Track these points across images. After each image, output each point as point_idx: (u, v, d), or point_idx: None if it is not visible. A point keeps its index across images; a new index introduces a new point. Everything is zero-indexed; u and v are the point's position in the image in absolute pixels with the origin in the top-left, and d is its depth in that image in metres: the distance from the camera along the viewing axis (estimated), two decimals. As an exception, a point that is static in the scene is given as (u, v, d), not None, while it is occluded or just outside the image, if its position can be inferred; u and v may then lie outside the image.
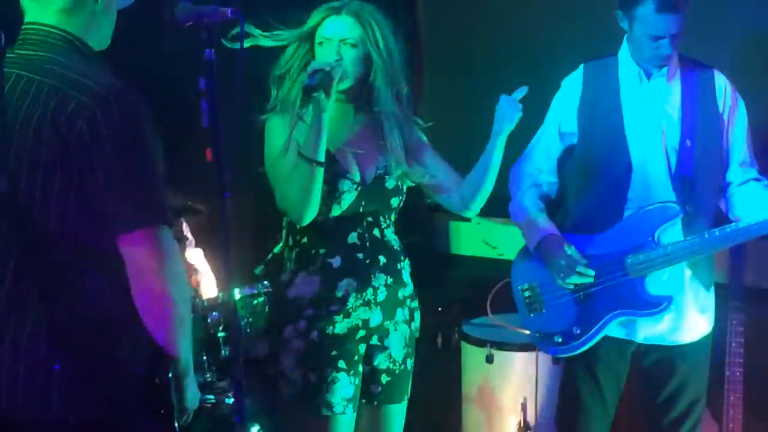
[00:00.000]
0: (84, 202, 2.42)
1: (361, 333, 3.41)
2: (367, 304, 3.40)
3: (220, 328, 3.99)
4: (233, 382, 2.63)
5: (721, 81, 3.58)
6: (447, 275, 5.73)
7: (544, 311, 3.77)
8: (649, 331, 3.64)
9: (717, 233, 3.46)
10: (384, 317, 3.45)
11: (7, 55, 2.46)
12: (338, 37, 3.34)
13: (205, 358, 3.94)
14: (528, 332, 3.90)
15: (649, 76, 3.58)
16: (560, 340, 3.72)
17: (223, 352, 3.99)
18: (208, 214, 4.49)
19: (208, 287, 4.36)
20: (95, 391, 2.48)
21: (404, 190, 3.52)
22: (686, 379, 3.69)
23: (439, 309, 5.21)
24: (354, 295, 3.38)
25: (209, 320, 4.00)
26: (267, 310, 4.01)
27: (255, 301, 4.11)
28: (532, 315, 3.80)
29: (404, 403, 3.60)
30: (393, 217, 3.53)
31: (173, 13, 2.68)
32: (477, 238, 5.68)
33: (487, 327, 4.83)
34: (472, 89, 5.25)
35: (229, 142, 2.62)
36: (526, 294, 3.80)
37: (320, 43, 3.37)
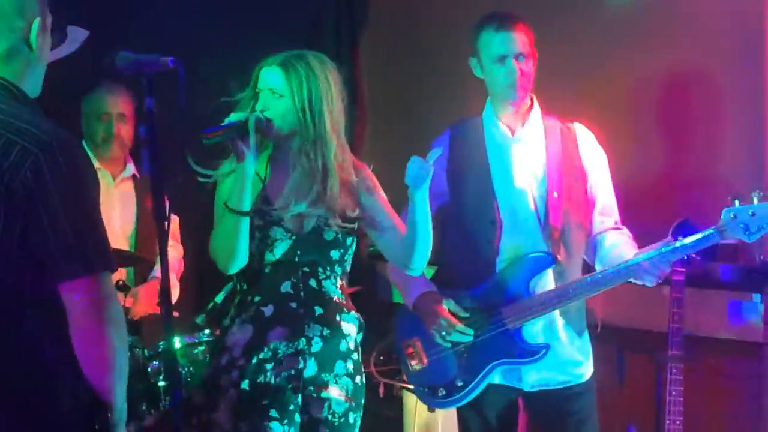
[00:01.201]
0: (25, 249, 2.40)
1: (294, 383, 3.38)
2: (299, 353, 3.37)
3: (161, 377, 3.97)
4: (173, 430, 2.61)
5: (582, 133, 3.72)
6: (389, 324, 5.72)
7: (426, 366, 3.79)
8: (533, 377, 3.69)
9: (588, 279, 3.56)
10: (319, 369, 3.41)
11: None
12: (266, 87, 3.37)
13: (144, 407, 3.91)
14: (412, 387, 3.92)
15: (513, 131, 3.70)
16: (444, 392, 3.76)
17: (163, 401, 3.96)
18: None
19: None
20: None
21: (347, 243, 3.49)
22: (579, 422, 3.73)
23: (381, 358, 5.20)
24: (284, 344, 3.36)
25: (149, 369, 3.97)
26: (207, 359, 3.99)
27: (195, 350, 4.10)
28: (415, 369, 3.82)
29: None
30: (338, 269, 3.49)
31: (113, 62, 2.68)
32: (419, 287, 5.68)
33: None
34: (410, 135, 5.29)
35: (171, 190, 2.62)
36: (408, 349, 3.83)
37: (256, 94, 3.39)
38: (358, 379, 3.52)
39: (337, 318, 3.46)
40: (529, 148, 3.68)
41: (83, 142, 4.66)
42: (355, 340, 3.53)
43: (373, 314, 5.74)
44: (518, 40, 3.62)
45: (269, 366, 3.35)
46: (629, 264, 3.48)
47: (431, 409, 4.62)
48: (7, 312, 2.42)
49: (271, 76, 3.36)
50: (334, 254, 3.47)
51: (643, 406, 4.69)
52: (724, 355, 4.60)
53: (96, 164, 4.62)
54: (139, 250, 4.65)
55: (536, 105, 3.73)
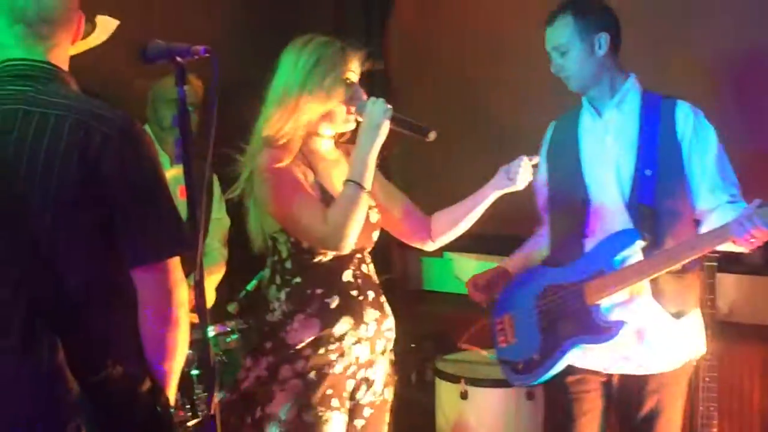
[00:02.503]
0: (106, 235, 2.44)
1: (352, 369, 3.40)
2: (359, 341, 3.39)
3: (194, 365, 3.97)
4: (207, 420, 2.61)
5: (683, 110, 3.60)
6: (420, 311, 5.73)
7: (513, 342, 3.82)
8: (610, 359, 3.64)
9: (669, 251, 3.47)
10: (370, 352, 3.43)
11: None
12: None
13: (177, 396, 3.92)
14: (499, 364, 3.92)
15: (600, 112, 3.66)
16: (522, 368, 3.78)
17: (195, 390, 3.97)
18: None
19: None
20: (112, 424, 2.48)
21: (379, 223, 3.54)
22: (657, 411, 3.67)
23: (413, 345, 5.20)
24: (350, 332, 3.36)
25: (182, 358, 3.98)
26: (241, 347, 4.00)
27: (228, 339, 4.10)
28: (502, 346, 3.86)
29: None
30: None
31: (145, 51, 2.68)
32: (449, 274, 5.68)
33: (461, 363, 4.83)
34: (441, 118, 5.28)
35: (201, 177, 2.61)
36: (499, 326, 3.87)
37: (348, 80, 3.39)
38: (390, 355, 3.57)
39: (381, 299, 3.49)
40: (619, 127, 3.63)
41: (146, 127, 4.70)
42: (392, 317, 3.55)
43: (404, 302, 5.78)
44: (551, 35, 3.64)
45: (335, 357, 3.35)
46: (702, 234, 3.42)
47: (463, 396, 4.61)
48: (76, 305, 2.45)
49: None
50: (375, 236, 3.51)
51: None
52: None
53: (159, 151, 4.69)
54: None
55: (631, 83, 3.66)
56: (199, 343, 3.94)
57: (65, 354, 2.41)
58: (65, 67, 2.60)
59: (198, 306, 2.65)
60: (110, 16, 2.72)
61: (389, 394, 3.58)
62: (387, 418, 3.59)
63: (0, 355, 2.39)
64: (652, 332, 3.58)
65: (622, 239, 3.55)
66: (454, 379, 4.71)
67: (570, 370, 3.70)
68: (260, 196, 3.36)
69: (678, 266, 3.46)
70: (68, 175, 2.39)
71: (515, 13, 5.19)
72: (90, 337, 2.46)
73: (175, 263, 2.51)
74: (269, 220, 3.41)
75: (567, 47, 3.60)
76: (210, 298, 4.50)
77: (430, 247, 3.70)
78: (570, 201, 3.69)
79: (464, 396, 4.63)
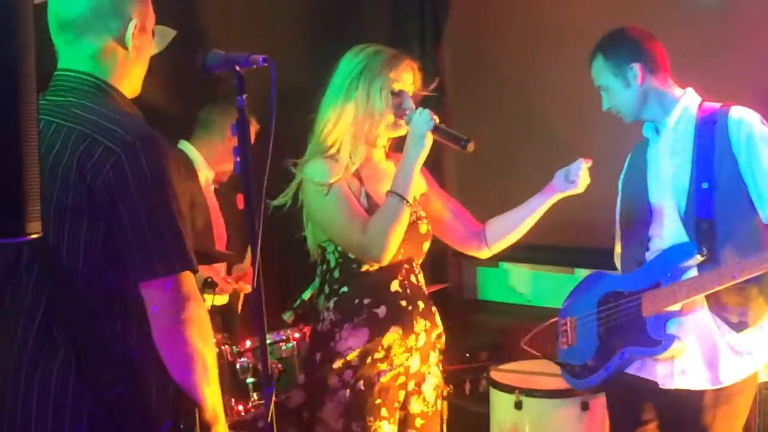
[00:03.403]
0: (109, 248, 2.43)
1: (401, 380, 3.40)
2: (409, 351, 3.39)
3: (249, 374, 3.99)
4: (264, 428, 2.62)
5: (735, 119, 3.53)
6: (475, 321, 5.72)
7: (573, 345, 3.86)
8: (662, 371, 3.59)
9: (721, 268, 3.41)
10: (421, 362, 3.44)
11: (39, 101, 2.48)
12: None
13: (233, 404, 3.94)
14: (559, 368, 3.95)
15: (658, 130, 3.67)
16: (577, 371, 3.82)
17: (251, 398, 3.99)
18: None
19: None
20: None
21: (431, 233, 3.54)
22: (710, 426, 3.61)
23: (467, 355, 5.19)
24: (399, 343, 3.37)
25: (238, 366, 4.00)
26: (296, 356, 4.02)
27: (284, 347, 4.11)
28: (563, 348, 3.90)
29: None
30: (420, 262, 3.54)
31: (204, 61, 2.70)
32: (504, 284, 5.67)
33: (515, 373, 4.81)
34: (496, 127, 5.28)
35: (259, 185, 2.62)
36: (563, 327, 3.91)
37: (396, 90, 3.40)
38: (441, 366, 3.57)
39: (432, 309, 3.50)
40: (676, 144, 3.62)
41: (188, 143, 4.73)
42: (441, 326, 3.55)
43: (459, 312, 5.77)
44: (593, 76, 3.68)
45: (384, 366, 3.35)
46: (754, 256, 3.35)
47: (518, 407, 4.59)
48: (94, 309, 2.45)
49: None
50: (425, 247, 3.51)
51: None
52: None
53: (204, 164, 4.72)
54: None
55: (687, 96, 3.64)
56: (255, 351, 4.01)
57: (81, 367, 2.43)
58: (114, 78, 2.59)
59: (255, 315, 2.67)
60: (169, 26, 2.74)
61: (441, 405, 3.57)
62: (439, 428, 3.58)
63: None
64: (708, 346, 3.55)
65: (679, 253, 3.53)
66: (508, 389, 4.69)
67: (627, 379, 3.67)
68: (308, 205, 3.40)
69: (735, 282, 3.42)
70: (68, 185, 2.40)
71: (571, 23, 5.17)
72: (102, 349, 2.44)
73: (179, 280, 2.44)
74: (318, 230, 3.44)
75: (606, 86, 3.64)
76: None
77: (485, 254, 3.70)
78: (634, 216, 3.71)
79: (519, 406, 4.61)
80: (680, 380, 3.58)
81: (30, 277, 2.48)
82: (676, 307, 3.51)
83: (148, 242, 2.40)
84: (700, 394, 3.57)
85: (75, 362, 2.43)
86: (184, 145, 4.71)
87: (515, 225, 3.60)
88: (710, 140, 3.53)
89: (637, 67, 3.57)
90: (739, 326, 3.51)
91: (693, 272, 3.51)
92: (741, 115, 3.52)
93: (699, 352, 3.53)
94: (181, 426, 2.51)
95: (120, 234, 2.41)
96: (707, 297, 3.48)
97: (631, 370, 3.65)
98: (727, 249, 3.47)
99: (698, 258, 3.48)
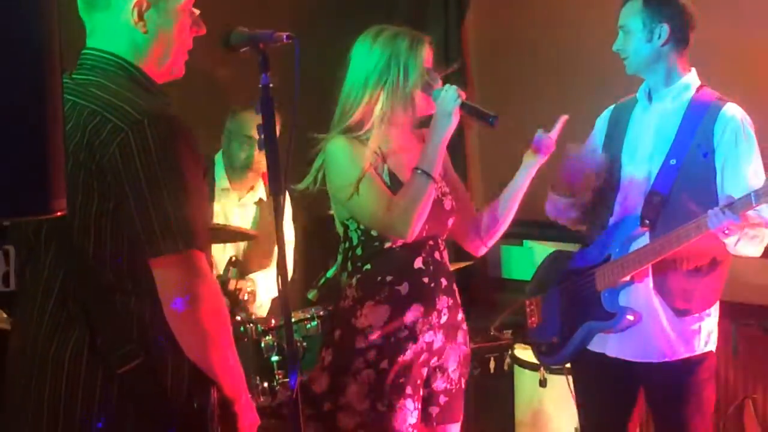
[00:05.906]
0: (118, 225, 2.42)
1: (424, 357, 3.40)
2: (432, 328, 3.39)
3: (274, 352, 4.00)
4: (288, 402, 2.62)
5: (728, 113, 3.54)
6: (499, 299, 5.71)
7: (539, 323, 3.94)
8: (615, 344, 3.66)
9: (660, 239, 3.47)
10: (445, 339, 3.44)
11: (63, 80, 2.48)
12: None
13: (258, 382, 3.95)
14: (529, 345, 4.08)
15: (651, 98, 3.68)
16: (544, 349, 3.93)
17: (276, 376, 4.00)
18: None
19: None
20: (138, 414, 2.47)
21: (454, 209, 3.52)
22: (679, 397, 3.64)
23: (492, 333, 5.19)
24: (421, 320, 3.37)
25: (262, 345, 4.01)
26: (320, 333, 4.02)
27: (308, 326, 4.12)
28: (530, 326, 3.99)
29: (459, 423, 3.59)
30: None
31: (228, 39, 2.70)
32: (529, 262, 5.66)
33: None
34: (518, 110, 5.27)
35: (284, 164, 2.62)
36: (530, 307, 3.99)
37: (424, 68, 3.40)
38: (467, 345, 3.57)
39: (454, 287, 3.50)
40: (664, 119, 3.63)
41: (220, 156, 4.69)
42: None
43: (483, 290, 5.77)
44: (622, 12, 3.66)
45: (407, 344, 3.35)
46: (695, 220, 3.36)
47: (542, 384, 4.60)
48: (107, 287, 2.45)
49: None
50: (449, 223, 3.51)
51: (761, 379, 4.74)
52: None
53: (225, 184, 4.68)
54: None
55: (688, 77, 3.64)
56: (280, 329, 4.02)
57: (94, 342, 2.44)
58: (135, 57, 2.55)
59: (280, 294, 2.67)
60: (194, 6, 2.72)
61: (464, 382, 3.58)
62: (462, 407, 3.58)
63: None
64: (652, 324, 3.59)
65: (625, 225, 3.60)
66: (533, 366, 4.70)
67: (593, 355, 3.73)
68: (331, 184, 3.39)
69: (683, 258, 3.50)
70: (78, 163, 2.39)
71: (594, 6, 5.14)
72: (116, 325, 2.45)
73: (186, 258, 2.42)
74: (340, 207, 3.44)
75: (630, 28, 3.61)
76: None
77: (483, 252, 3.71)
78: (607, 185, 3.72)
79: (543, 384, 4.62)
80: (622, 351, 3.66)
81: (47, 254, 2.49)
82: (627, 279, 3.58)
83: (151, 220, 2.38)
84: (660, 366, 3.61)
85: (89, 338, 2.44)
86: None
87: (505, 207, 3.58)
88: (695, 125, 3.56)
89: (668, 28, 3.55)
90: (681, 312, 3.54)
91: (644, 243, 3.56)
92: (734, 113, 3.55)
93: (646, 327, 3.59)
94: (195, 405, 2.51)
95: (127, 213, 2.40)
96: (654, 277, 3.54)
97: (593, 347, 3.72)
98: (671, 224, 3.47)
99: (640, 229, 3.54)
